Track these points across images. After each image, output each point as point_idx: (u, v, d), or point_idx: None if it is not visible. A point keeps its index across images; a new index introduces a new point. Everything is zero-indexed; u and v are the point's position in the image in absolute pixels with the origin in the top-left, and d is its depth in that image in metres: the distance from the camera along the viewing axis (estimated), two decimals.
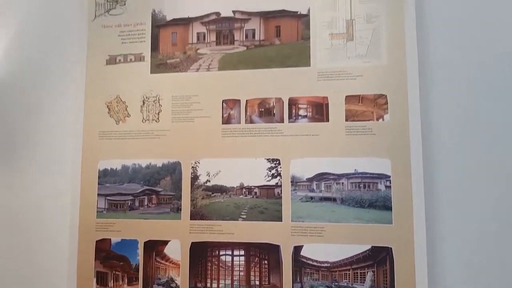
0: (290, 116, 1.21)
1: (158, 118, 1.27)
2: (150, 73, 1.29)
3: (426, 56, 1.17)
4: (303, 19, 1.24)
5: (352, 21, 1.22)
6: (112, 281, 1.23)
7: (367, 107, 1.18)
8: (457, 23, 1.17)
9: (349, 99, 1.19)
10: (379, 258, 1.12)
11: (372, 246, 1.12)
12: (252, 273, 1.17)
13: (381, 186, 1.14)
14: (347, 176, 1.16)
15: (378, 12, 1.20)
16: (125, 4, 1.33)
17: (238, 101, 1.24)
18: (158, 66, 1.29)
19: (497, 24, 1.16)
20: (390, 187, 1.14)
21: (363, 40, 1.20)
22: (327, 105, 1.20)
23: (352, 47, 1.21)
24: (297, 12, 1.24)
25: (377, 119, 1.17)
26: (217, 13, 1.28)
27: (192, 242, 1.20)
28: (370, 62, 1.19)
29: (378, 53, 1.19)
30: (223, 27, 1.28)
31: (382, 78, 1.17)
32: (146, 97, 1.28)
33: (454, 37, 1.17)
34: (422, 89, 1.16)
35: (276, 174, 1.19)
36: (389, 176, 1.14)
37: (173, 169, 1.24)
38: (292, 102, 1.21)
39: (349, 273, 1.13)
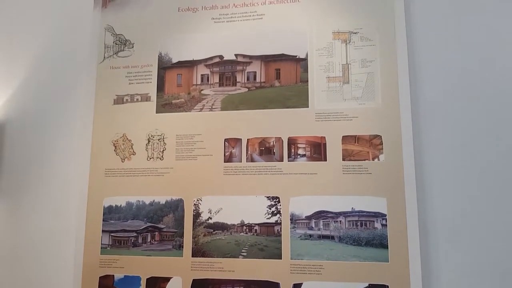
0: (289, 155, 1.26)
1: (162, 156, 1.32)
2: (156, 112, 1.35)
3: (418, 99, 1.23)
4: (301, 62, 1.30)
5: (347, 65, 1.28)
6: None
7: (363, 147, 1.23)
8: (449, 67, 1.23)
9: (345, 139, 1.24)
10: None
11: (369, 284, 1.15)
12: None
13: (378, 225, 1.18)
14: (345, 214, 1.20)
15: (372, 57, 1.27)
16: (133, 47, 1.41)
17: (240, 140, 1.29)
18: (164, 106, 1.35)
19: (488, 67, 1.22)
20: (386, 225, 1.17)
21: (358, 83, 1.26)
22: (324, 144, 1.25)
23: (348, 90, 1.27)
24: (296, 56, 1.31)
25: (373, 159, 1.21)
26: (221, 56, 1.35)
27: (193, 279, 1.23)
28: (365, 104, 1.25)
29: (372, 96, 1.25)
30: (226, 70, 1.35)
31: (377, 119, 1.23)
32: (151, 136, 1.33)
33: (446, 79, 1.23)
34: (415, 130, 1.21)
35: (276, 211, 1.23)
36: (385, 215, 1.18)
37: (176, 206, 1.28)
38: (291, 142, 1.26)
39: None
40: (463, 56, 1.23)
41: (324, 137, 1.25)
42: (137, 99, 1.37)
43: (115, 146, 1.35)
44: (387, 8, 1.28)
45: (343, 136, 1.24)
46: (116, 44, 1.41)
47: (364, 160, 1.22)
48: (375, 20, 1.28)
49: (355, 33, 1.29)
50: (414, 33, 1.27)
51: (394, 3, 1.28)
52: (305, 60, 1.30)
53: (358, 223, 1.19)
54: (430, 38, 1.26)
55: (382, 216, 1.18)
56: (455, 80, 1.22)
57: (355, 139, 1.24)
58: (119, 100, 1.38)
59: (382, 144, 1.21)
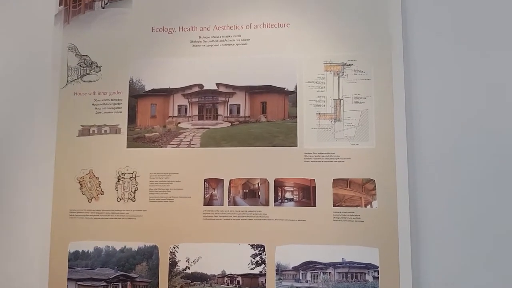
0: (275, 199, 1.15)
1: (134, 197, 1.19)
2: (127, 147, 1.21)
3: (415, 141, 1.15)
4: (290, 96, 1.19)
5: (340, 100, 1.18)
6: None
7: (355, 192, 1.14)
8: (449, 106, 1.15)
9: (336, 182, 1.14)
10: None
11: None
12: None
13: (369, 277, 1.10)
14: (334, 265, 1.12)
15: (367, 92, 1.17)
16: (100, 71, 1.25)
17: (221, 180, 1.17)
18: (136, 140, 1.21)
19: (491, 107, 1.14)
20: (378, 278, 1.10)
21: (351, 121, 1.17)
22: (314, 188, 1.15)
23: (340, 128, 1.17)
24: (284, 88, 1.19)
25: (365, 205, 1.13)
26: (200, 85, 1.22)
27: None
28: (358, 144, 1.15)
29: (366, 136, 1.15)
30: (206, 101, 1.22)
31: (371, 162, 1.14)
32: (122, 174, 1.20)
33: (445, 120, 1.15)
34: (411, 175, 1.13)
35: (260, 261, 1.13)
36: (377, 267, 1.10)
37: (150, 254, 1.16)
38: (278, 184, 1.16)
39: None
40: (465, 95, 1.15)
41: (314, 179, 1.15)
42: (105, 131, 1.22)
43: (80, 184, 1.21)
44: (383, 39, 1.17)
45: (334, 179, 1.14)
46: (80, 66, 1.25)
47: (356, 206, 1.13)
48: (370, 52, 1.18)
49: (349, 65, 1.18)
50: (412, 68, 1.17)
51: (392, 34, 1.17)
52: (294, 93, 1.19)
53: (349, 275, 1.11)
54: (429, 74, 1.16)
55: (374, 268, 1.10)
56: (455, 121, 1.14)
57: (347, 183, 1.14)
58: (84, 132, 1.23)
59: (376, 189, 1.13)
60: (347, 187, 1.14)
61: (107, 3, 1.28)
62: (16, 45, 1.29)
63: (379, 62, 1.17)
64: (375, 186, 1.13)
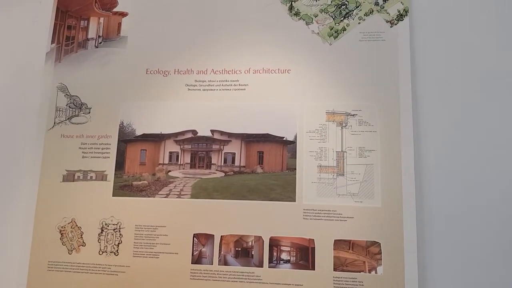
0: (270, 260, 1.05)
1: (117, 251, 1.09)
2: (112, 195, 1.13)
3: (425, 200, 1.05)
4: (289, 146, 1.10)
5: (343, 153, 1.09)
6: None
7: (359, 255, 1.03)
8: (461, 163, 1.05)
9: (338, 244, 1.04)
10: None
11: None
12: None
13: None
14: None
15: (372, 145, 1.08)
16: (89, 112, 1.18)
17: (212, 236, 1.08)
18: (122, 188, 1.13)
19: (503, 159, 1.04)
20: None
21: (355, 176, 1.07)
22: (313, 249, 1.05)
23: (343, 183, 1.07)
24: (282, 138, 1.11)
25: (369, 271, 1.02)
26: (194, 132, 1.14)
27: None
28: (362, 202, 1.06)
29: (371, 193, 1.06)
30: (199, 148, 1.14)
31: (376, 222, 1.04)
32: (106, 224, 1.11)
33: (458, 180, 1.05)
34: (420, 239, 1.02)
35: None
36: None
37: None
38: (274, 243, 1.06)
39: None
40: (478, 148, 1.05)
41: (313, 239, 1.05)
42: (91, 177, 1.14)
43: (61, 234, 1.12)
44: (391, 88, 1.09)
45: (335, 240, 1.04)
46: (69, 107, 1.18)
47: (360, 272, 1.02)
48: (376, 102, 1.10)
49: (353, 115, 1.10)
50: (422, 120, 1.08)
51: (399, 83, 1.09)
52: (293, 143, 1.10)
53: None
54: (440, 127, 1.08)
55: None
56: (468, 177, 1.04)
57: (350, 244, 1.04)
58: (69, 177, 1.15)
59: (381, 253, 1.02)
60: (349, 249, 1.04)
61: (101, 43, 1.22)
62: (4, 82, 1.23)
63: (386, 113, 1.09)
64: (380, 250, 1.02)
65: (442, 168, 1.06)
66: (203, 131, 1.14)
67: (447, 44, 1.12)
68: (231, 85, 1.15)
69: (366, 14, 1.14)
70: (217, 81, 1.16)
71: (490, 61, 1.09)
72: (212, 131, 1.14)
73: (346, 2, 1.15)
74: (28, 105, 1.20)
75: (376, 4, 1.14)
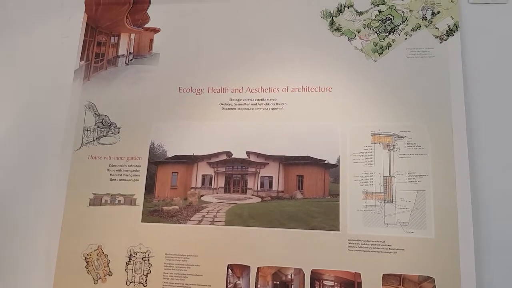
0: None
1: (146, 282, 1.02)
2: (141, 221, 1.06)
3: (483, 231, 0.95)
4: (331, 170, 1.02)
5: (391, 178, 1.00)
6: None
7: None
8: None
9: (387, 278, 0.95)
10: None
11: None
12: None
13: None
14: None
15: (423, 170, 0.99)
16: (119, 132, 1.12)
17: (248, 268, 0.99)
18: (152, 213, 1.06)
19: None
20: None
21: (405, 204, 0.98)
22: (359, 284, 0.95)
23: (392, 212, 0.98)
24: (324, 161, 1.03)
25: None
26: (229, 153, 1.07)
27: None
28: (413, 232, 0.96)
29: (423, 222, 0.96)
30: (234, 171, 1.07)
31: (429, 255, 0.94)
32: (134, 252, 1.04)
33: None
34: (479, 274, 0.92)
35: None
36: None
37: None
38: (316, 276, 0.97)
39: None
40: None
41: (359, 273, 0.96)
42: (119, 201, 1.08)
43: (87, 262, 1.05)
44: (442, 107, 1.01)
45: (383, 274, 0.95)
46: (98, 127, 1.13)
47: None
48: (426, 123, 1.01)
49: (401, 137, 1.02)
50: (476, 142, 0.99)
51: (451, 102, 1.01)
52: (336, 166, 1.02)
53: None
54: (498, 151, 0.98)
55: None
56: None
57: (400, 279, 0.94)
58: (96, 201, 1.08)
59: None
60: (400, 284, 0.95)
61: (131, 60, 1.18)
62: (32, 103, 1.19)
63: (437, 134, 1.00)
64: (434, 286, 0.93)
65: (502, 194, 0.96)
66: (238, 153, 1.07)
67: (500, 61, 1.04)
68: (268, 104, 1.08)
69: (413, 29, 1.07)
70: (253, 100, 1.09)
71: None
72: (248, 153, 1.06)
73: (391, 17, 1.08)
74: (55, 124, 1.15)
75: (424, 18, 1.07)
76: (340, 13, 1.11)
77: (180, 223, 1.04)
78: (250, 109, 1.09)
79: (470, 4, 1.08)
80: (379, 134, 1.03)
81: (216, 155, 1.07)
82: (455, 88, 1.02)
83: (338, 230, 0.98)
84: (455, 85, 1.02)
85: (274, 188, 1.04)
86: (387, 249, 0.96)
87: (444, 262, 0.93)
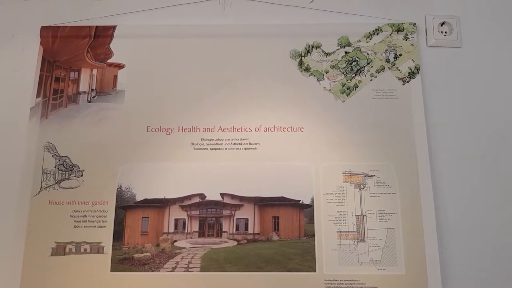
0: None
1: None
2: (110, 270, 1.00)
3: (450, 267, 1.00)
4: (306, 210, 1.04)
5: (363, 217, 1.03)
6: None
7: None
8: (484, 224, 1.03)
9: None
10: None
11: None
12: None
13: None
14: None
15: (392, 208, 1.03)
16: (82, 175, 1.06)
17: None
18: (122, 262, 1.01)
19: None
20: None
21: (377, 242, 1.02)
22: None
23: (365, 250, 1.02)
24: (299, 201, 1.04)
25: None
26: (202, 196, 1.05)
27: None
28: (385, 270, 1.00)
29: (394, 260, 1.01)
30: (208, 214, 1.04)
31: None
32: None
33: (482, 244, 1.02)
34: None
35: None
36: None
37: None
38: None
39: None
40: (501, 207, 1.04)
41: None
42: (85, 250, 1.01)
43: None
44: (407, 148, 1.06)
45: None
46: (58, 169, 1.06)
47: None
48: (393, 162, 1.06)
49: (370, 176, 1.05)
50: (441, 180, 1.06)
51: (415, 143, 1.07)
52: (310, 206, 1.04)
53: None
54: (461, 188, 1.05)
55: None
56: (496, 243, 1.02)
57: None
58: (59, 250, 1.01)
59: None
60: None
61: (94, 97, 1.12)
62: None
63: (403, 173, 1.05)
64: None
65: (466, 229, 1.03)
66: (212, 195, 1.05)
67: (458, 99, 1.11)
68: (241, 143, 1.08)
69: (377, 71, 1.12)
70: (226, 140, 1.08)
71: (504, 115, 1.09)
72: (222, 195, 1.05)
73: (357, 58, 1.12)
74: (9, 167, 1.06)
75: (388, 61, 1.12)
76: (309, 54, 1.13)
77: (152, 271, 1.00)
78: (223, 149, 1.07)
79: (428, 47, 1.14)
80: (350, 173, 1.06)
81: (189, 197, 1.05)
82: (418, 129, 1.08)
83: (315, 271, 1.00)
84: (418, 125, 1.08)
85: (250, 230, 1.04)
86: (361, 287, 0.99)
87: None
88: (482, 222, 1.03)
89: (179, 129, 1.09)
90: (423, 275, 0.99)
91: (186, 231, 1.03)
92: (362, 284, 0.99)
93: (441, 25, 1.14)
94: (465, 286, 1.00)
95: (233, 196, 1.05)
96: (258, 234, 1.03)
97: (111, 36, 1.14)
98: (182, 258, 1.01)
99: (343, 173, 1.06)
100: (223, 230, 1.03)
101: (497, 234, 1.03)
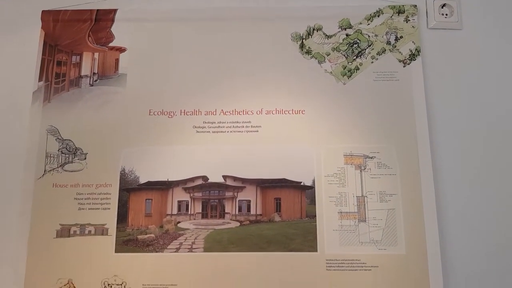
0: None
1: None
2: (115, 251, 1.02)
3: (449, 245, 1.02)
4: (307, 191, 1.05)
5: (363, 198, 1.05)
6: None
7: None
8: (483, 205, 1.04)
9: None
10: None
11: None
12: None
13: None
14: None
15: (393, 189, 1.05)
16: (85, 158, 1.07)
17: None
18: (126, 243, 1.02)
19: None
20: None
21: (377, 222, 1.03)
22: None
23: (365, 230, 1.03)
24: (300, 182, 1.05)
25: None
26: (204, 178, 1.06)
27: None
28: (386, 249, 1.02)
29: (394, 239, 1.02)
30: (211, 196, 1.06)
31: (401, 270, 1.00)
32: (108, 285, 1.00)
33: (482, 226, 1.03)
34: (446, 286, 0.99)
35: None
36: None
37: None
38: None
39: None
40: (499, 189, 1.05)
41: None
42: (90, 232, 1.03)
43: None
44: (407, 130, 1.07)
45: None
46: (62, 153, 1.07)
47: None
48: (394, 144, 1.07)
49: (371, 157, 1.06)
50: (441, 162, 1.07)
51: (416, 124, 1.08)
52: (311, 188, 1.05)
53: None
54: (461, 169, 1.06)
55: None
56: (493, 222, 1.03)
57: None
58: (64, 232, 1.03)
59: None
60: None
61: (96, 80, 1.12)
62: None
63: (404, 155, 1.06)
64: None
65: (466, 209, 1.04)
66: (215, 177, 1.06)
67: (458, 82, 1.11)
68: (243, 126, 1.08)
69: (378, 53, 1.12)
70: (228, 123, 1.09)
71: (504, 96, 1.10)
72: (225, 177, 1.06)
73: (358, 41, 1.13)
74: (13, 151, 1.07)
75: (388, 43, 1.12)
76: (310, 36, 1.13)
77: (156, 252, 1.02)
78: (225, 132, 1.08)
79: (429, 29, 1.14)
80: (351, 155, 1.07)
81: (192, 179, 1.06)
82: (418, 110, 1.08)
83: (316, 251, 1.01)
84: (418, 107, 1.08)
85: (252, 211, 1.05)
86: (362, 266, 1.01)
87: (414, 277, 0.99)
88: (482, 202, 1.04)
89: (181, 112, 1.09)
90: (423, 255, 1.00)
91: (189, 213, 1.05)
92: (363, 263, 1.01)
93: (442, 7, 1.14)
94: (465, 265, 1.01)
95: (235, 178, 1.06)
96: (261, 215, 1.05)
97: (112, 20, 1.14)
98: (185, 239, 1.02)
99: (344, 155, 1.07)
100: (225, 211, 1.05)
101: (497, 213, 1.04)
